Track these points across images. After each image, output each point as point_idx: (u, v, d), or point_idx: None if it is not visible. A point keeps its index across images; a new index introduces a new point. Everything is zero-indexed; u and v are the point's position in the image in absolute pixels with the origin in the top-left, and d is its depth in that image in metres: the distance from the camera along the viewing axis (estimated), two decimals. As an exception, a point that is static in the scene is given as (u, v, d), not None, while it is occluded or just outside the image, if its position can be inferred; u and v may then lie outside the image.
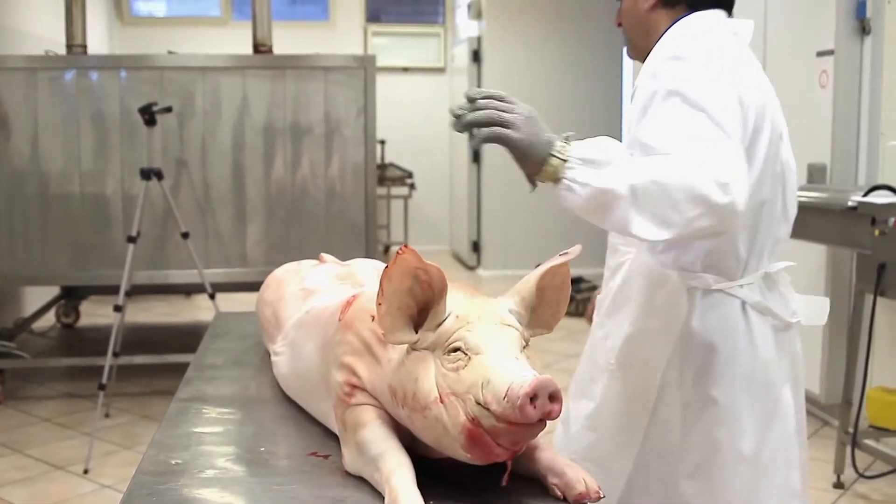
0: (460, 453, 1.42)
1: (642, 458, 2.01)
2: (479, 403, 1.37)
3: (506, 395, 1.35)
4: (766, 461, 1.97)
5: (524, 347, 1.48)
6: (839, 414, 4.21)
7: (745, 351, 1.97)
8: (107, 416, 5.08)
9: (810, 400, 5.01)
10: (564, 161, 1.65)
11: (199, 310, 7.79)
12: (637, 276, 2.05)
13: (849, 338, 4.22)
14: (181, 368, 2.37)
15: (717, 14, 2.06)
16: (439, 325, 1.48)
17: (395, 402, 1.51)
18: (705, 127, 1.70)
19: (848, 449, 4.04)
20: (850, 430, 4.03)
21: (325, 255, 2.48)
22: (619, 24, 2.15)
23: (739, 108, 1.80)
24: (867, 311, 4.03)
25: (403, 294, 1.47)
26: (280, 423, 1.87)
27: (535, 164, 1.68)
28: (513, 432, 1.37)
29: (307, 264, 2.38)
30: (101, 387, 4.69)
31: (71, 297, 6.99)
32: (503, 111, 1.70)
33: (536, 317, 1.57)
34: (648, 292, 2.02)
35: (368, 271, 2.14)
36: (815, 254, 4.78)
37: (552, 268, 1.55)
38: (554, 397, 1.36)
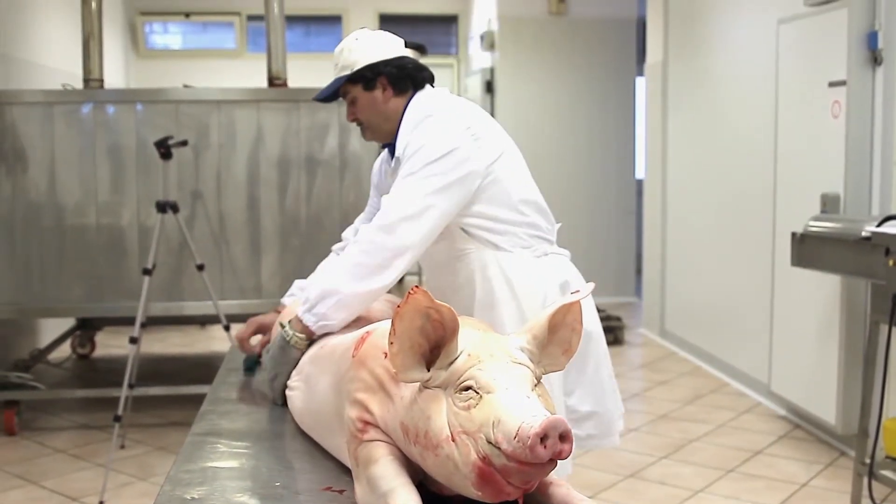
0: (471, 491, 1.42)
1: None
2: (490, 442, 1.38)
3: (516, 434, 1.35)
4: None
5: (536, 385, 1.49)
6: (855, 444, 4.19)
7: None
8: (122, 447, 5.09)
9: (827, 430, 4.99)
10: (295, 332, 2.31)
11: (214, 340, 7.81)
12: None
13: (864, 368, 4.20)
14: (196, 400, 2.38)
15: (433, 89, 2.72)
16: (451, 363, 1.49)
17: (406, 440, 1.52)
18: (418, 184, 2.43)
19: (865, 480, 4.02)
20: (867, 460, 4.01)
21: None
22: (353, 120, 2.70)
23: (473, 144, 2.51)
24: (882, 341, 4.02)
25: (415, 333, 1.48)
26: (295, 457, 1.87)
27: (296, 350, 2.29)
28: (524, 471, 1.37)
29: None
30: (117, 418, 4.70)
31: (86, 328, 7.02)
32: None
33: (548, 354, 1.57)
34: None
35: (381, 306, 2.45)
36: (829, 284, 4.77)
37: (564, 306, 1.56)
38: (564, 437, 1.36)
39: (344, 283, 2.31)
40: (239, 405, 2.27)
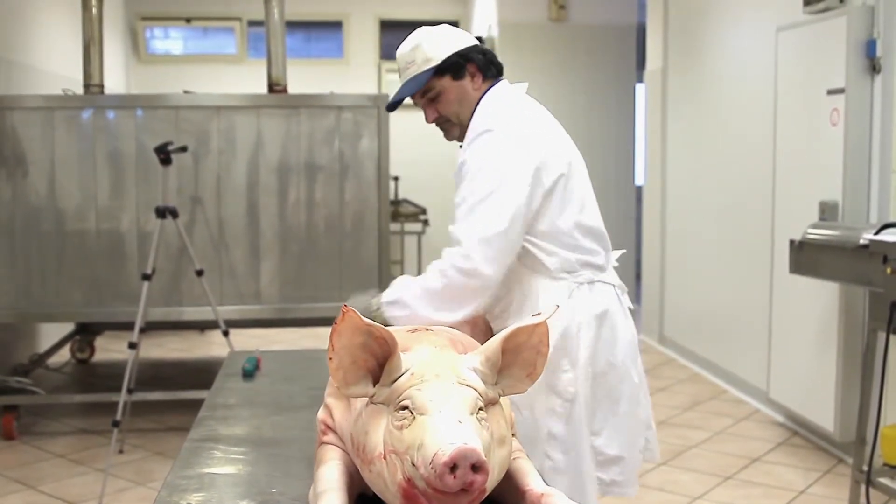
0: None
1: None
2: (413, 465, 1.38)
3: (431, 460, 1.34)
4: None
5: (481, 409, 1.47)
6: (853, 452, 4.19)
7: None
8: (120, 452, 5.10)
9: (825, 437, 5.00)
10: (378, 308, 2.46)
11: (213, 345, 7.81)
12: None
13: (862, 375, 4.21)
14: (195, 405, 2.38)
15: (507, 84, 2.65)
16: (394, 380, 1.49)
17: (352, 452, 1.54)
18: (483, 206, 2.42)
19: (862, 487, 4.02)
20: (865, 468, 4.01)
21: None
22: (436, 119, 2.62)
23: (530, 177, 2.45)
24: (880, 349, 4.03)
25: (356, 349, 1.48)
26: (293, 463, 1.88)
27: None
28: (439, 499, 1.36)
29: None
30: (116, 423, 4.71)
31: (86, 332, 7.02)
32: None
33: (509, 375, 1.55)
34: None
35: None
36: (827, 292, 4.78)
37: (524, 328, 1.54)
38: (478, 468, 1.35)
39: (420, 306, 2.41)
40: (237, 411, 2.27)
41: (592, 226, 2.60)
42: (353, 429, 1.55)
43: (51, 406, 5.96)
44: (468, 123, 2.57)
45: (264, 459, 1.90)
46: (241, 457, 1.92)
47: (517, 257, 2.50)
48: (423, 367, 1.49)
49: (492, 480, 1.45)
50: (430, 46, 2.53)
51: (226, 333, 5.14)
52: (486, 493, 1.43)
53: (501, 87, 2.61)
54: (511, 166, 2.43)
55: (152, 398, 5.56)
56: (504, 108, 2.56)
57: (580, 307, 2.54)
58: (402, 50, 2.58)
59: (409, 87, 2.54)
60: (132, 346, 4.86)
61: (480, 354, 1.55)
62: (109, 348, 7.49)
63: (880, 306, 3.91)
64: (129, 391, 4.96)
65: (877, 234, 4.01)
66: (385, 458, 1.43)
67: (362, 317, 1.46)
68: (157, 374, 6.74)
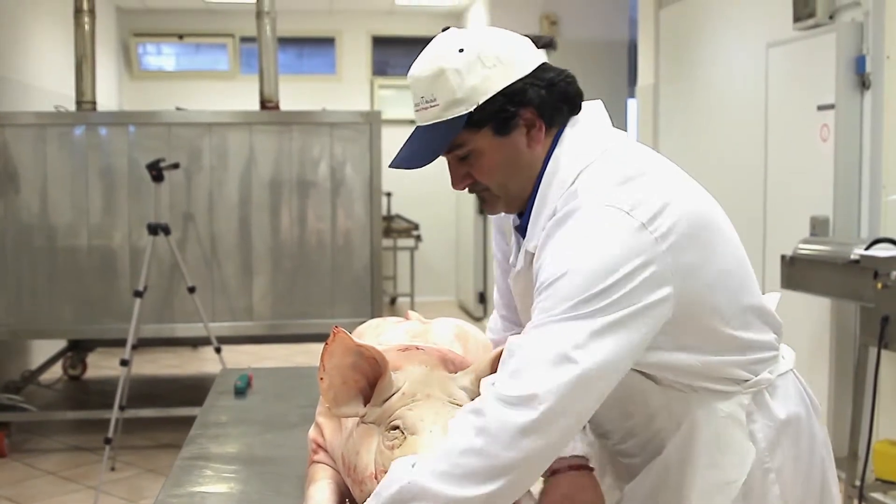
0: None
1: None
2: None
3: None
4: None
5: None
6: (846, 467, 4.20)
7: None
8: (112, 469, 5.08)
9: (817, 453, 4.99)
10: None
11: (206, 362, 7.79)
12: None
13: (854, 390, 4.21)
14: (187, 422, 2.38)
15: (592, 118, 1.73)
16: (385, 400, 1.49)
17: (344, 471, 1.54)
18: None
19: (855, 502, 4.02)
20: (857, 483, 4.01)
21: (410, 313, 2.14)
22: (469, 186, 1.73)
23: (656, 251, 1.52)
24: (871, 363, 4.03)
25: (346, 370, 1.48)
26: (284, 482, 1.88)
27: None
28: None
29: (391, 321, 2.08)
30: (107, 440, 4.70)
31: (78, 349, 7.00)
32: None
33: None
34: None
35: (446, 332, 1.83)
36: (818, 307, 4.79)
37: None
38: None
39: (437, 486, 1.40)
40: (229, 429, 2.27)
41: (758, 303, 1.74)
42: (344, 448, 1.55)
43: (42, 423, 5.94)
44: (523, 195, 1.69)
45: (256, 478, 1.90)
46: (232, 475, 1.91)
47: (657, 383, 1.67)
48: (414, 387, 1.50)
49: None
50: (460, 77, 1.60)
51: (218, 350, 5.14)
52: None
53: (580, 129, 1.69)
54: (629, 259, 1.50)
55: (144, 415, 5.54)
56: (596, 163, 1.63)
57: (762, 429, 1.72)
58: (419, 72, 1.68)
59: (423, 145, 1.66)
60: (124, 362, 4.86)
61: (471, 373, 1.55)
62: (101, 365, 7.47)
63: (871, 321, 3.92)
64: (121, 408, 4.95)
65: (867, 249, 4.03)
66: (376, 478, 1.43)
67: (353, 337, 1.47)
68: (150, 391, 6.72)
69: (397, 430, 1.45)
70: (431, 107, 1.63)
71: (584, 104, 1.71)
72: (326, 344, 1.46)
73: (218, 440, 2.16)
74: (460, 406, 1.47)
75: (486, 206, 1.74)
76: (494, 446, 1.39)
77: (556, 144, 1.65)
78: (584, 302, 1.46)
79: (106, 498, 4.64)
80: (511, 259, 1.80)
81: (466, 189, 1.73)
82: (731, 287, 1.66)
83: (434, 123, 1.63)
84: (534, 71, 1.62)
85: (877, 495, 4.07)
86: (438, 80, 1.61)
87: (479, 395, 1.50)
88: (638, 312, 1.48)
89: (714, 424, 1.67)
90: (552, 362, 1.43)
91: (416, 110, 1.67)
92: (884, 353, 3.93)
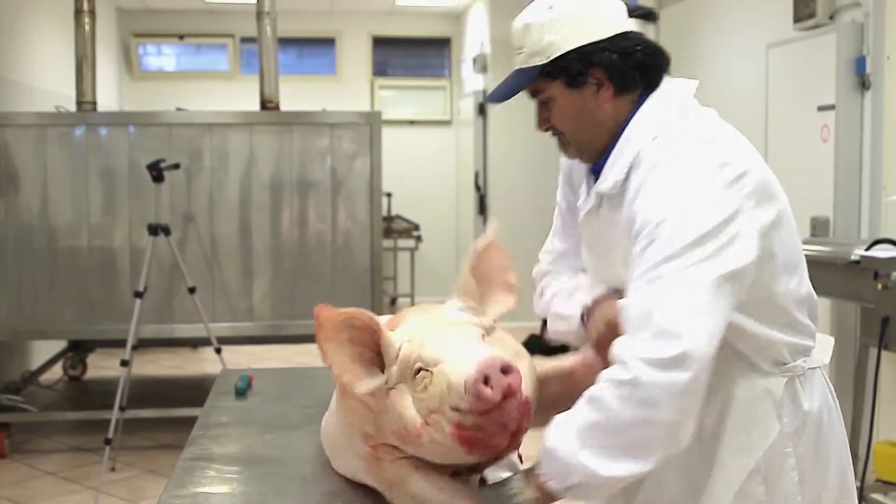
0: (468, 458, 1.45)
1: None
2: (454, 409, 1.40)
3: (464, 389, 1.38)
4: None
5: (485, 335, 1.51)
6: (846, 468, 4.19)
7: None
8: (112, 469, 5.08)
9: (817, 453, 4.99)
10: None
11: (206, 362, 7.79)
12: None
13: (854, 391, 4.21)
14: (187, 422, 2.38)
15: (672, 87, 1.86)
16: (396, 357, 1.50)
17: (402, 443, 1.53)
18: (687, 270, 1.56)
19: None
20: (858, 484, 4.01)
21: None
22: (548, 129, 1.87)
23: (749, 205, 1.67)
24: (872, 364, 4.03)
25: (345, 346, 1.49)
26: (287, 482, 1.88)
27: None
28: (492, 418, 1.39)
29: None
30: (108, 441, 4.70)
31: (78, 349, 7.00)
32: None
33: (493, 300, 1.61)
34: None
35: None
36: (819, 307, 4.78)
37: (479, 254, 1.60)
38: (507, 370, 1.39)
39: (593, 461, 1.51)
40: (230, 430, 2.27)
41: (808, 294, 1.88)
42: (390, 423, 1.54)
43: (43, 424, 5.94)
44: (593, 148, 1.84)
45: (258, 479, 1.90)
46: (234, 476, 1.91)
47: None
48: (416, 331, 1.52)
49: (527, 386, 1.48)
50: (543, 31, 1.78)
51: (218, 351, 5.14)
52: (531, 401, 1.47)
53: (661, 97, 1.82)
54: (725, 208, 1.62)
55: (144, 415, 5.54)
56: (679, 123, 1.78)
57: (789, 415, 1.81)
58: (516, 23, 1.86)
59: (509, 84, 1.84)
60: (124, 363, 4.86)
61: (459, 294, 1.59)
62: (102, 365, 7.46)
63: (872, 322, 3.92)
64: (122, 408, 4.95)
65: (868, 249, 4.03)
66: (428, 423, 1.44)
67: (332, 308, 1.48)
68: (150, 392, 6.72)
69: (422, 371, 1.46)
70: (520, 54, 1.83)
71: (680, 80, 1.86)
72: (317, 331, 1.47)
73: (219, 441, 2.16)
74: (463, 323, 1.52)
75: (561, 148, 1.90)
76: (660, 413, 1.47)
77: (638, 107, 1.80)
78: (694, 245, 1.56)
79: (106, 498, 4.64)
80: (580, 202, 1.93)
81: (549, 132, 1.88)
82: (792, 262, 1.79)
83: (519, 69, 1.83)
84: (612, 37, 1.77)
85: (877, 496, 4.08)
86: (526, 32, 1.81)
87: (476, 309, 1.57)
88: (743, 260, 1.60)
89: (750, 396, 1.77)
90: (690, 318, 1.51)
91: (514, 55, 1.86)
92: (884, 353, 3.93)
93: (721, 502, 1.77)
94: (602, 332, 1.75)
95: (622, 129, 1.79)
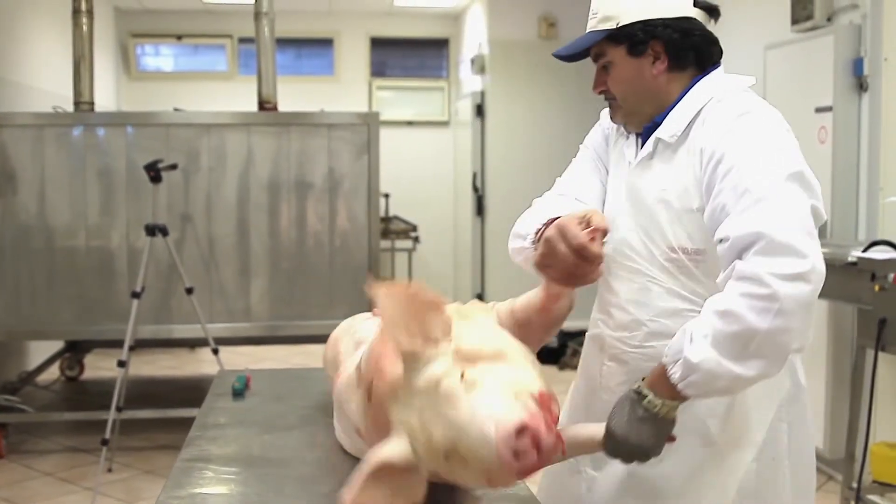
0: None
1: None
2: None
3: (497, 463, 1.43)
4: None
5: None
6: (843, 469, 4.20)
7: None
8: (109, 470, 5.07)
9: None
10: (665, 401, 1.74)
11: (203, 363, 7.79)
12: None
13: (851, 393, 4.22)
14: (184, 423, 2.38)
15: (722, 72, 2.05)
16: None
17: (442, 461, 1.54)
18: (788, 196, 1.74)
19: (852, 504, 4.03)
20: (854, 485, 4.02)
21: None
22: (602, 92, 2.07)
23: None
24: (869, 366, 4.04)
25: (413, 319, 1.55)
26: (286, 483, 1.88)
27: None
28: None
29: (360, 318, 2.30)
30: (104, 441, 4.69)
31: (75, 350, 6.99)
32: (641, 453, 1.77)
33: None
34: None
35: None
36: (816, 309, 4.79)
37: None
38: (538, 437, 1.42)
39: (737, 368, 1.68)
40: (227, 430, 2.27)
41: None
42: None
43: (40, 424, 5.94)
44: (640, 113, 2.04)
45: (256, 479, 1.90)
46: (232, 477, 1.92)
47: None
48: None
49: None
50: (618, 0, 1.99)
51: (215, 351, 5.14)
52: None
53: (716, 76, 2.02)
54: (793, 159, 1.81)
55: (142, 416, 5.54)
56: (743, 95, 1.97)
57: (787, 382, 2.02)
58: None
59: (577, 43, 2.04)
60: (121, 363, 4.85)
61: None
62: (99, 366, 7.46)
63: (869, 323, 3.93)
64: (119, 409, 4.95)
65: (865, 251, 4.04)
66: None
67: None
68: (147, 392, 6.72)
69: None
70: (593, 18, 2.01)
71: (736, 76, 2.03)
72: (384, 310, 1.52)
73: (217, 442, 2.16)
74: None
75: (611, 111, 2.09)
76: (794, 322, 1.65)
77: (692, 85, 1.99)
78: (794, 179, 1.75)
79: (103, 499, 4.64)
80: (628, 155, 2.07)
81: (602, 95, 2.07)
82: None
83: (591, 32, 2.01)
84: (676, 18, 1.96)
85: (874, 497, 4.09)
86: None
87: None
88: (822, 207, 1.81)
89: None
90: (807, 239, 1.69)
91: (589, 19, 2.04)
92: (881, 355, 3.94)
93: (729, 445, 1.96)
94: (543, 253, 1.82)
95: (675, 103, 1.98)
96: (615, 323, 2.06)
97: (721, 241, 1.74)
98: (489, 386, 1.46)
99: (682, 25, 1.97)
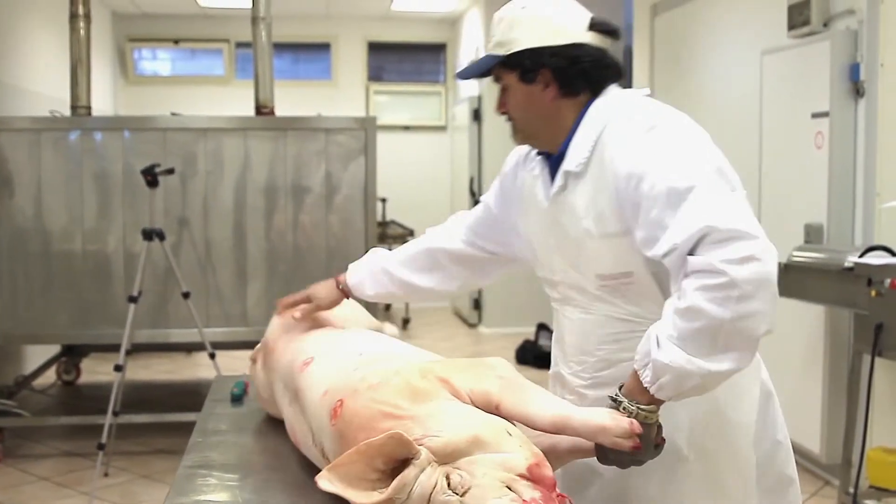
0: None
1: None
2: None
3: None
4: None
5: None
6: (839, 474, 4.21)
7: None
8: (106, 475, 5.06)
9: (811, 459, 5.01)
10: (639, 406, 1.74)
11: (200, 367, 7.78)
12: None
13: (848, 398, 4.22)
14: (181, 427, 2.38)
15: (621, 91, 2.06)
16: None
17: None
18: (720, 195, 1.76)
19: (849, 510, 4.04)
20: (851, 490, 4.02)
21: (386, 325, 2.62)
22: (505, 113, 2.09)
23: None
24: (865, 371, 4.04)
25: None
26: (287, 490, 1.88)
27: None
28: None
29: (273, 337, 2.39)
30: (101, 446, 4.69)
31: (72, 354, 6.98)
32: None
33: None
34: None
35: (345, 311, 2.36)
36: (813, 314, 4.80)
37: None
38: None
39: (708, 364, 1.70)
40: (228, 436, 2.27)
41: None
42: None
43: (36, 428, 5.93)
44: (537, 137, 2.07)
45: (259, 486, 1.90)
46: (235, 483, 1.91)
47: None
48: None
49: None
50: (510, 28, 2.02)
51: (212, 356, 5.13)
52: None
53: (609, 96, 2.03)
54: (705, 157, 1.84)
55: (138, 420, 5.53)
56: (643, 104, 1.99)
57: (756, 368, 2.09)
58: (496, 15, 2.08)
59: (473, 68, 2.10)
60: (118, 368, 4.85)
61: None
62: (95, 370, 7.45)
63: (865, 328, 3.93)
64: (115, 413, 4.94)
65: (861, 256, 4.04)
66: None
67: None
68: (144, 397, 6.71)
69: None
70: (490, 41, 2.06)
71: (631, 90, 2.06)
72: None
73: (219, 448, 2.16)
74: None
75: (512, 132, 2.10)
76: (756, 304, 1.67)
77: (590, 103, 2.00)
78: (719, 175, 1.78)
79: (100, 504, 4.64)
80: (541, 194, 2.07)
81: (504, 117, 2.09)
82: None
83: (487, 54, 2.05)
84: (566, 45, 1.97)
85: (871, 502, 4.09)
86: (500, 23, 2.03)
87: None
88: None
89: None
90: (750, 221, 1.71)
91: (488, 42, 2.08)
92: (877, 360, 3.95)
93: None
94: None
95: (576, 125, 1.99)
96: (567, 358, 2.09)
97: (667, 254, 1.74)
98: (480, 483, 1.43)
99: (570, 53, 1.97)
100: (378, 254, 2.51)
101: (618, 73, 2.04)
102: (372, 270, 2.46)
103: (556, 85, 1.99)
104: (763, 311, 1.68)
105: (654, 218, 1.77)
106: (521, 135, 2.09)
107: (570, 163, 1.97)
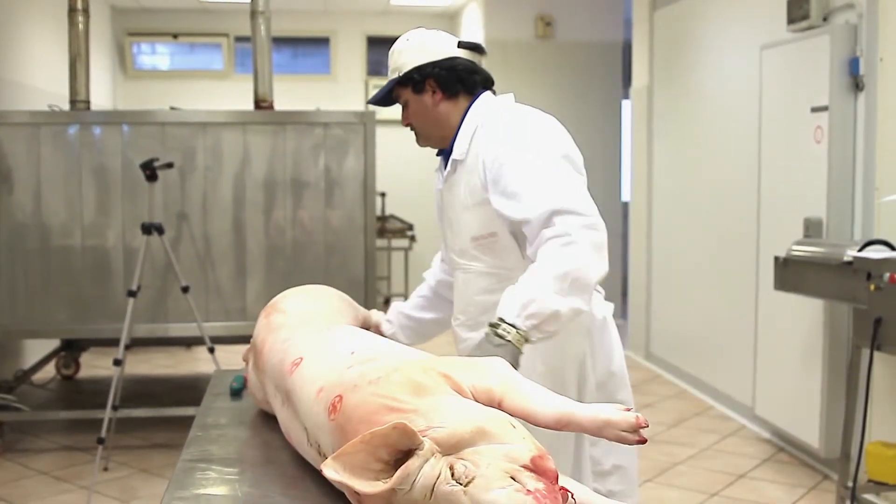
0: None
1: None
2: None
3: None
4: None
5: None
6: (838, 468, 4.21)
7: None
8: (105, 469, 5.07)
9: (810, 453, 5.02)
10: (515, 337, 2.15)
11: (200, 361, 7.79)
12: None
13: (847, 392, 4.23)
14: (180, 421, 2.38)
15: (495, 95, 2.65)
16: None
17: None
18: (560, 174, 2.35)
19: (847, 503, 4.04)
20: (850, 484, 4.03)
21: (374, 312, 2.91)
22: (409, 125, 2.64)
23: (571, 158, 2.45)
24: (864, 365, 4.05)
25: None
26: (288, 484, 1.87)
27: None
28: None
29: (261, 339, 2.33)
30: (100, 440, 4.69)
31: (71, 349, 6.99)
32: None
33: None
34: None
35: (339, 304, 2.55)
36: (812, 308, 4.80)
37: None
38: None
39: (558, 300, 2.16)
40: (228, 430, 2.27)
41: None
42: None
43: (35, 423, 5.94)
44: (432, 137, 2.64)
45: (260, 479, 1.90)
46: (235, 477, 1.91)
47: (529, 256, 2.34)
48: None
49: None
50: (401, 56, 2.59)
51: (212, 350, 5.14)
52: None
53: (484, 100, 2.60)
54: (554, 145, 2.43)
55: (138, 415, 5.54)
56: (502, 110, 2.56)
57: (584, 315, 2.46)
58: (391, 50, 2.65)
59: (382, 92, 2.64)
60: (117, 362, 4.85)
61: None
62: (95, 364, 7.46)
63: (864, 323, 3.94)
64: (115, 408, 4.95)
65: (861, 250, 4.05)
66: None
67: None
68: (143, 391, 6.72)
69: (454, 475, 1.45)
70: (389, 70, 2.63)
71: (499, 95, 2.66)
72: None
73: (218, 442, 2.16)
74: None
75: (416, 139, 2.67)
76: (592, 258, 2.22)
77: (471, 106, 2.58)
78: (564, 158, 2.42)
79: (98, 498, 4.64)
80: (440, 183, 2.67)
81: (409, 127, 2.66)
82: None
83: (389, 80, 2.62)
84: (443, 59, 2.57)
85: (869, 496, 4.09)
86: (392, 55, 2.63)
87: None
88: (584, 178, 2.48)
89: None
90: (586, 200, 2.30)
91: (389, 72, 2.65)
92: (876, 354, 3.95)
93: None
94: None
95: (460, 124, 2.57)
96: (455, 313, 2.64)
97: (524, 222, 2.29)
98: (484, 473, 1.43)
99: (447, 64, 2.56)
100: (396, 307, 3.00)
101: (488, 80, 2.64)
102: (401, 325, 2.92)
103: (440, 90, 2.56)
104: (595, 266, 2.22)
105: (512, 190, 2.33)
106: (422, 139, 2.65)
107: (456, 153, 2.55)
